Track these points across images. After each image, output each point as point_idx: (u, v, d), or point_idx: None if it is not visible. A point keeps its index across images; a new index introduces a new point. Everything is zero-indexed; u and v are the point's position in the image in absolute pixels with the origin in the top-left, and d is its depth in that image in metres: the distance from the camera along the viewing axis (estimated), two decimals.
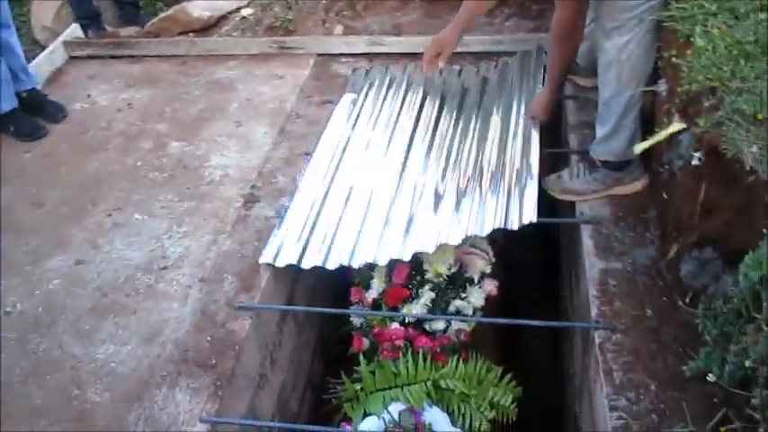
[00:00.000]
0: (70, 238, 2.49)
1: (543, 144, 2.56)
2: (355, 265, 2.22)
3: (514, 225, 2.13)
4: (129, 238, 2.45)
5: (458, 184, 2.45)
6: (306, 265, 2.24)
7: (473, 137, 2.69)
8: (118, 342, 2.07)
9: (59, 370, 2.01)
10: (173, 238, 2.43)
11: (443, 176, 2.51)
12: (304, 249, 2.29)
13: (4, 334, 2.14)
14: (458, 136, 2.70)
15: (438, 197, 2.40)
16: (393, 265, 2.32)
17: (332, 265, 2.22)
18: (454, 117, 2.82)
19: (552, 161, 2.70)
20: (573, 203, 2.38)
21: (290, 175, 2.65)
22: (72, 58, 3.55)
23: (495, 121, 2.73)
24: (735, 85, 1.71)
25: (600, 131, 2.26)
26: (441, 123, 2.81)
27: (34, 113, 3.09)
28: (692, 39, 1.94)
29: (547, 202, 2.38)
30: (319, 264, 2.23)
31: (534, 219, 2.12)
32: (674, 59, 1.95)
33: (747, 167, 1.60)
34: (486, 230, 2.15)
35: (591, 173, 2.33)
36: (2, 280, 2.33)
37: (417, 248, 2.18)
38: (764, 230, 1.49)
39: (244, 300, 2.16)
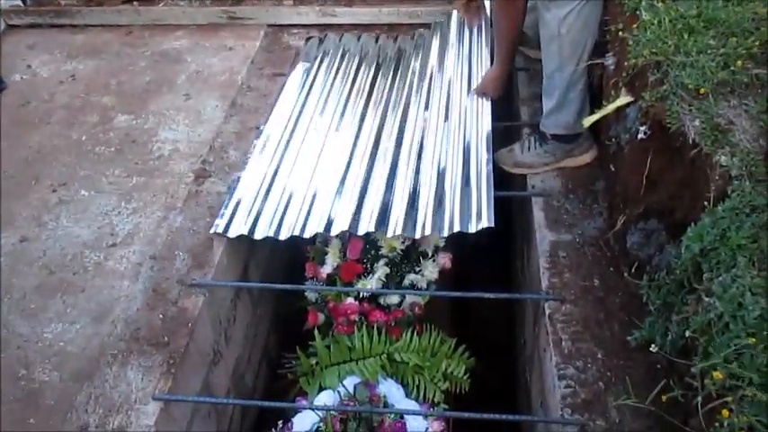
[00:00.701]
0: (14, 215, 2.40)
1: (494, 117, 2.60)
2: (306, 236, 2.21)
3: (471, 228, 2.14)
4: (75, 215, 2.38)
5: (409, 164, 2.45)
6: (258, 235, 2.23)
7: (423, 108, 2.69)
8: (66, 321, 2.03)
9: (5, 350, 1.96)
10: (121, 215, 2.37)
11: (395, 155, 2.51)
12: (256, 221, 2.28)
13: None
14: (410, 108, 2.71)
15: (391, 177, 2.40)
16: (347, 239, 2.32)
17: (283, 236, 2.21)
18: (405, 88, 2.81)
19: (505, 133, 2.73)
20: (525, 176, 2.42)
21: (241, 149, 2.61)
22: (10, 26, 3.39)
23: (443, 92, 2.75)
24: (679, 60, 1.75)
25: (547, 105, 2.29)
26: (393, 95, 2.80)
27: None
28: (638, 12, 1.97)
29: (499, 175, 2.41)
30: (271, 235, 2.22)
31: (491, 224, 2.12)
32: (620, 33, 1.98)
33: (690, 141, 1.65)
34: (445, 232, 2.16)
35: (541, 146, 2.37)
36: None
37: (370, 229, 2.18)
38: (705, 203, 1.55)
39: (196, 277, 2.13)
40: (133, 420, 1.74)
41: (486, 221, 2.11)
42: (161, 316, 2.01)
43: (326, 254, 2.36)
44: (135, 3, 3.39)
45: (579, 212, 2.24)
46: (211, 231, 2.25)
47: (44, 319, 2.04)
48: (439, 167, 2.44)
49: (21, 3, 3.48)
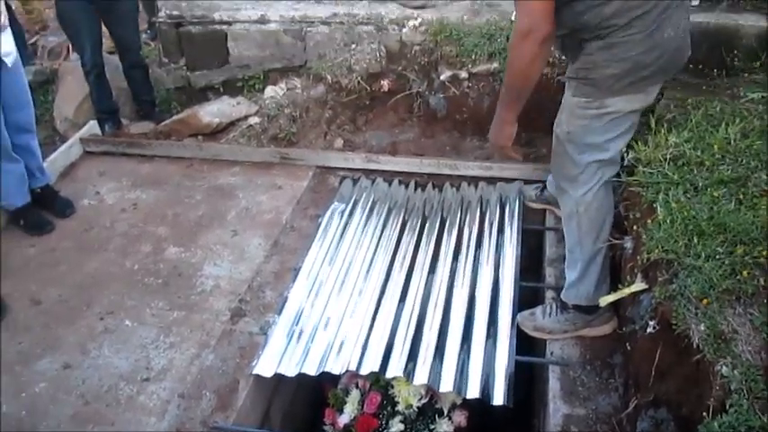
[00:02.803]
0: (61, 340, 2.59)
1: (519, 275, 2.71)
2: (336, 372, 2.34)
3: (491, 399, 2.25)
4: (117, 345, 2.55)
5: (435, 316, 2.57)
6: (290, 373, 2.37)
7: (448, 267, 2.83)
8: None
9: None
10: (158, 349, 2.52)
11: (423, 305, 2.63)
12: (290, 360, 2.42)
13: None
14: (438, 260, 2.86)
15: (419, 329, 2.52)
16: (366, 392, 2.41)
17: (313, 372, 2.36)
18: (433, 242, 2.97)
19: (530, 292, 2.80)
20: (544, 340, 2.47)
21: (278, 289, 2.76)
22: (87, 153, 3.75)
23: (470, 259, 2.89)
24: (688, 262, 1.83)
25: (569, 276, 2.37)
26: (421, 246, 2.96)
27: (44, 209, 3.26)
28: (655, 206, 2.07)
29: (524, 333, 2.48)
30: (304, 371, 2.36)
31: (506, 402, 2.23)
32: (635, 227, 2.07)
33: (694, 345, 1.70)
34: (465, 394, 2.26)
35: (562, 313, 2.43)
36: None
37: (398, 374, 2.29)
38: (704, 414, 1.58)
39: (219, 419, 2.23)
40: None
41: (503, 399, 2.18)
42: None
43: (345, 403, 2.43)
44: (199, 137, 3.71)
45: (595, 386, 2.27)
46: (252, 372, 2.37)
47: None
48: (466, 321, 2.55)
49: (99, 131, 3.86)
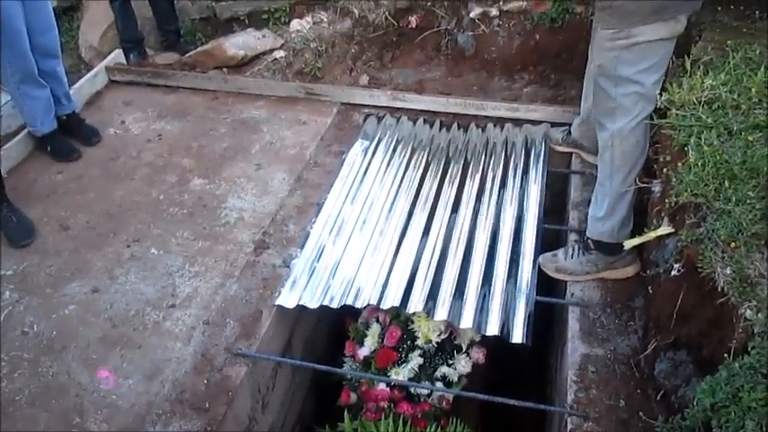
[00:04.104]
0: (90, 265, 2.65)
1: (542, 217, 2.71)
2: (358, 306, 2.38)
3: (510, 338, 2.27)
4: (143, 272, 2.60)
5: (457, 253, 2.58)
6: (313, 305, 2.41)
7: (471, 207, 2.82)
8: (121, 375, 2.22)
9: (64, 396, 2.16)
10: (184, 277, 2.58)
11: (446, 242, 2.64)
12: (312, 293, 2.46)
13: (17, 353, 2.30)
14: (460, 202, 2.85)
15: (441, 264, 2.54)
16: (387, 326, 2.45)
17: (336, 305, 2.39)
18: (457, 182, 2.95)
19: (552, 234, 2.80)
20: (566, 282, 2.48)
21: (300, 224, 2.78)
22: (112, 81, 3.74)
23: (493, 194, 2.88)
24: (717, 206, 1.80)
25: (594, 211, 2.36)
26: (444, 186, 2.95)
27: (71, 136, 3.28)
28: (686, 149, 2.03)
29: (545, 276, 2.49)
30: (326, 304, 2.40)
31: (525, 341, 2.25)
32: (665, 169, 2.04)
33: (719, 288, 1.69)
34: (485, 331, 2.28)
35: (584, 254, 2.43)
36: (23, 300, 2.50)
37: (418, 309, 2.32)
38: (725, 355, 1.58)
39: (243, 346, 2.29)
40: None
41: (522, 338, 2.20)
42: (205, 381, 2.17)
43: (366, 336, 2.48)
44: (224, 70, 3.68)
45: (615, 327, 2.28)
46: (273, 304, 2.42)
47: (90, 380, 2.22)
48: (488, 260, 2.56)
49: (125, 60, 3.83)
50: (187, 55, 3.81)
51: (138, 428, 2.04)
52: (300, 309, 2.44)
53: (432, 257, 2.59)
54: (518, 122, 3.25)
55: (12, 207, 2.81)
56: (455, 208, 2.83)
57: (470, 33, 3.56)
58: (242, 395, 2.22)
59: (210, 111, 3.50)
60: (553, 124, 3.19)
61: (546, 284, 2.51)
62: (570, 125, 3.05)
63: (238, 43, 3.68)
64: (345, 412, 2.37)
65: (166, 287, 2.54)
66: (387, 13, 3.58)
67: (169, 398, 2.13)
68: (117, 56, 3.80)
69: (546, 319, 2.71)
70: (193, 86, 3.62)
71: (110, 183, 3.07)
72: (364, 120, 3.36)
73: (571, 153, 3.05)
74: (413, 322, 2.41)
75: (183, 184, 3.03)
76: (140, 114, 3.51)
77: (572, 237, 2.62)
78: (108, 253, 2.70)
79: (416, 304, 2.35)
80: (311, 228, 2.76)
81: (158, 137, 3.34)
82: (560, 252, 2.50)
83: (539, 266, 2.50)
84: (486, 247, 2.63)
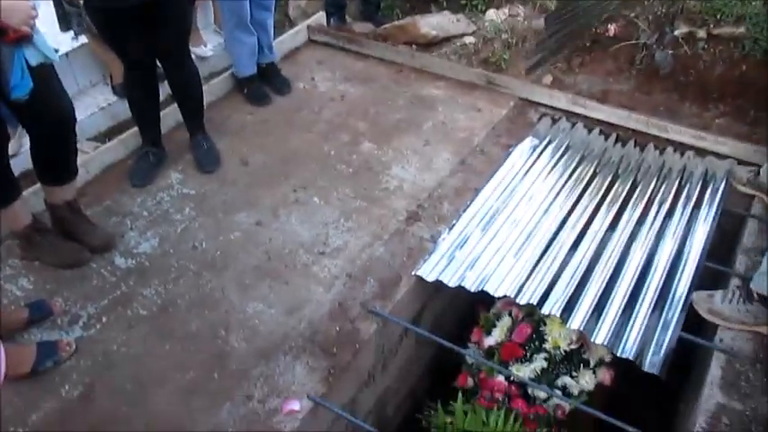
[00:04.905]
0: (258, 200, 2.89)
1: (705, 254, 2.56)
2: (496, 295, 2.40)
3: (643, 366, 2.20)
4: (303, 217, 2.80)
5: (607, 266, 2.52)
6: (452, 283, 2.46)
7: (630, 229, 2.73)
8: (266, 304, 2.42)
9: (216, 309, 2.40)
10: (337, 229, 2.74)
11: (596, 254, 2.59)
12: (453, 272, 2.52)
13: (185, 263, 2.59)
14: (619, 221, 2.76)
15: (588, 273, 2.49)
16: (518, 321, 2.45)
17: (473, 288, 2.43)
18: (620, 200, 2.86)
19: (711, 274, 2.63)
20: (716, 325, 2.34)
21: (455, 204, 2.85)
22: (310, 40, 4.01)
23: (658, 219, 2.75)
24: None
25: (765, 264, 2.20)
26: (606, 200, 2.87)
27: (266, 83, 3.57)
28: None
29: (694, 313, 2.37)
30: (463, 284, 2.45)
31: (659, 373, 2.17)
32: None
33: None
34: (619, 353, 2.22)
35: (745, 303, 2.27)
36: (198, 219, 2.80)
37: (554, 313, 2.30)
38: None
39: (377, 305, 2.41)
40: (285, 408, 2.06)
41: (657, 369, 2.12)
42: (338, 329, 2.32)
43: (495, 327, 2.50)
44: (413, 46, 3.80)
45: (761, 386, 2.12)
46: (413, 273, 2.51)
47: (252, 295, 2.45)
48: (636, 284, 2.48)
49: (325, 22, 4.09)
50: (382, 27, 3.98)
51: (270, 354, 2.23)
52: (437, 284, 2.51)
53: (578, 267, 2.54)
54: (701, 152, 3.07)
55: (206, 136, 3.13)
56: (612, 226, 2.75)
57: (670, 52, 3.38)
58: (367, 350, 2.34)
59: (393, 82, 3.64)
60: (740, 162, 2.99)
61: (693, 322, 2.38)
62: (760, 167, 2.84)
63: (432, 23, 3.79)
64: (459, 394, 2.41)
65: (320, 235, 2.71)
66: None
67: (303, 335, 2.30)
68: (319, 18, 4.07)
69: (684, 355, 2.56)
70: (381, 57, 3.79)
71: (290, 131, 3.31)
72: (539, 119, 3.34)
73: (754, 196, 2.84)
74: (545, 324, 2.39)
75: (354, 145, 3.20)
76: (329, 74, 3.74)
77: (734, 281, 2.45)
78: (276, 193, 2.93)
79: (553, 307, 2.33)
80: (464, 211, 2.81)
81: (341, 97, 3.54)
82: (718, 294, 2.36)
83: (691, 303, 2.37)
84: (638, 272, 2.53)
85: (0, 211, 2.40)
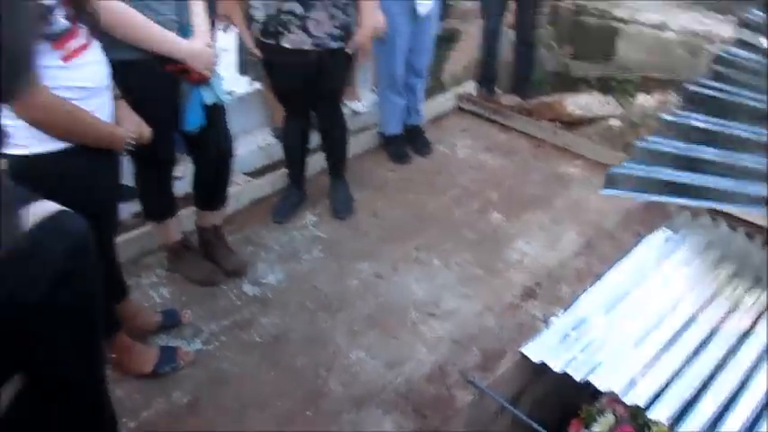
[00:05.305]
0: (382, 253, 3.02)
1: None
2: (601, 388, 2.30)
3: None
4: (421, 276, 2.89)
5: (725, 384, 2.34)
6: (558, 367, 2.40)
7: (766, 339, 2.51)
8: (370, 353, 2.50)
9: (323, 349, 2.52)
10: (452, 294, 2.79)
11: (716, 368, 2.41)
12: (561, 355, 2.44)
13: (304, 300, 2.75)
14: (752, 332, 2.54)
15: (705, 386, 2.33)
16: (620, 422, 2.34)
17: (578, 377, 2.34)
18: (759, 307, 2.64)
19: None
20: None
21: (574, 288, 2.78)
22: (458, 108, 4.16)
23: None
24: None
25: None
26: (740, 308, 2.66)
27: (409, 143, 3.76)
28: None
29: None
30: (567, 371, 2.37)
31: None
32: None
33: None
34: None
35: None
36: (325, 261, 2.97)
37: (661, 419, 2.17)
38: None
39: (477, 376, 2.40)
40: None
41: None
42: (433, 392, 2.34)
43: (595, 422, 2.40)
44: (557, 123, 3.83)
45: None
46: (519, 350, 2.49)
47: (359, 342, 2.55)
48: (762, 409, 2.28)
49: (475, 91, 4.23)
50: (528, 101, 4.05)
51: (364, 402, 2.30)
52: (542, 366, 2.46)
53: (699, 373, 2.37)
54: None
55: (345, 184, 3.34)
56: (747, 333, 2.55)
57: None
58: (458, 420, 2.33)
59: (532, 157, 3.68)
60: None
61: None
62: None
63: (579, 103, 3.80)
64: None
65: (434, 296, 2.78)
66: None
67: (398, 390, 2.34)
68: (469, 86, 4.22)
69: None
70: (524, 130, 3.85)
71: (425, 192, 3.44)
72: (678, 210, 3.19)
73: None
74: (649, 429, 2.26)
75: (483, 213, 3.26)
76: (471, 142, 3.86)
77: None
78: (400, 248, 3.05)
79: (662, 413, 2.20)
80: (583, 295, 2.74)
81: (479, 166, 3.63)
82: None
83: None
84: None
85: (157, 225, 2.72)
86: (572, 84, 4.21)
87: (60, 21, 1.69)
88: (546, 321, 2.61)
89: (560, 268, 2.90)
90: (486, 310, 2.70)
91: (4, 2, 0.72)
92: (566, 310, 2.67)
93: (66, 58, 1.72)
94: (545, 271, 2.89)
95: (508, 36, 4.41)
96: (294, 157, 3.28)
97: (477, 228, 3.17)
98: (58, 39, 1.69)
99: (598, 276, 2.83)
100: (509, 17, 4.25)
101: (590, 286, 2.78)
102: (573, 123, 3.81)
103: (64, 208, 0.85)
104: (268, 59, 2.90)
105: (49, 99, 1.67)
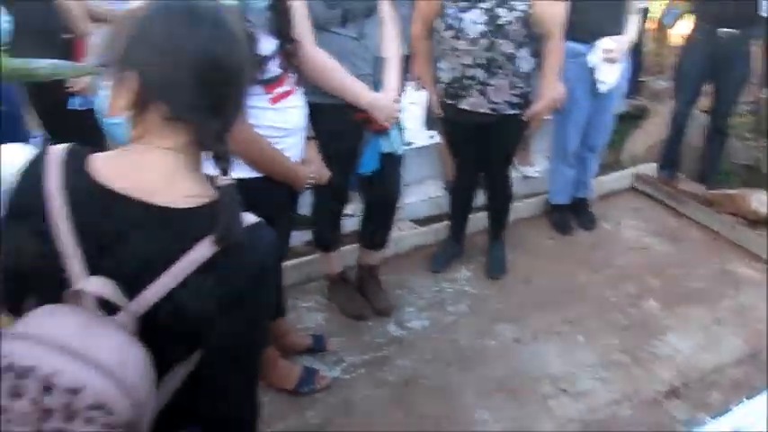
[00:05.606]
0: (524, 318, 3.03)
1: None
2: None
3: None
4: (560, 349, 2.85)
5: None
6: None
7: None
8: (493, 417, 2.51)
9: (448, 402, 2.55)
10: (590, 375, 2.72)
11: None
12: None
13: (441, 351, 2.84)
14: None
15: None
16: None
17: None
18: None
19: None
20: None
21: (725, 397, 2.60)
22: (633, 187, 4.07)
23: None
24: None
25: None
26: None
27: (573, 215, 3.74)
28: None
29: None
30: None
31: None
32: None
33: None
34: None
35: None
36: (471, 316, 3.05)
37: None
38: None
39: None
40: None
41: None
42: None
43: None
44: (738, 218, 3.59)
45: None
46: None
47: (483, 403, 2.55)
48: None
49: (654, 174, 4.10)
50: (711, 191, 3.84)
51: None
52: None
53: None
54: None
55: (502, 245, 3.41)
56: None
57: None
58: None
59: (703, 249, 3.50)
60: None
61: None
62: None
63: (766, 201, 3.54)
64: None
65: (570, 373, 2.73)
66: None
67: None
68: (648, 168, 4.10)
69: None
70: (698, 220, 3.67)
71: (580, 266, 3.40)
72: None
73: None
74: None
75: (638, 298, 3.16)
76: (638, 223, 3.75)
77: None
78: (544, 318, 3.04)
79: None
80: (736, 407, 2.55)
81: (642, 249, 3.52)
82: None
83: None
84: None
85: (324, 255, 2.98)
86: (761, 180, 3.92)
87: (274, 68, 1.99)
88: (688, 424, 2.47)
89: (715, 373, 2.73)
90: (623, 398, 2.61)
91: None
92: (714, 417, 2.50)
93: (273, 101, 2.01)
94: (697, 373, 2.73)
95: (700, 120, 4.23)
96: (458, 212, 3.43)
97: (629, 312, 3.07)
98: (269, 83, 1.99)
99: (758, 389, 2.62)
100: (704, 101, 4.09)
101: (746, 399, 2.58)
102: (755, 221, 3.55)
103: (261, 219, 1.05)
104: (446, 117, 3.09)
105: (251, 136, 1.96)
